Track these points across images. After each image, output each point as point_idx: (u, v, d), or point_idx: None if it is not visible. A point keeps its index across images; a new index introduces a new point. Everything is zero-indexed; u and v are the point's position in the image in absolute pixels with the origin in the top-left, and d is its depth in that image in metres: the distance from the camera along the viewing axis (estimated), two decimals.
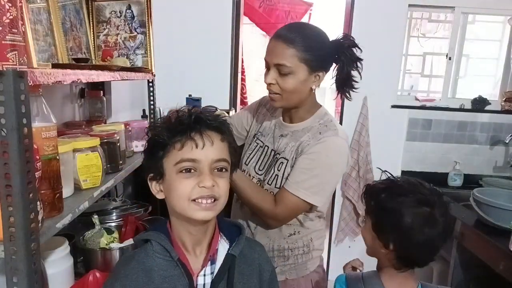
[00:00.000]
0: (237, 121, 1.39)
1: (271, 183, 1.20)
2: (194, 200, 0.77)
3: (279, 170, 1.19)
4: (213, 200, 0.78)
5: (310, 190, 1.12)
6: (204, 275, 0.81)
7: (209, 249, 0.84)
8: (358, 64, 1.15)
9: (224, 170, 0.81)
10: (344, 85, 1.18)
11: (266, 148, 1.27)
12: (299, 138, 1.19)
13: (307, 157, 1.14)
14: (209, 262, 0.82)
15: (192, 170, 0.77)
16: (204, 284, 0.80)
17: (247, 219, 1.27)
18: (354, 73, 1.16)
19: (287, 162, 1.18)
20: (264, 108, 1.34)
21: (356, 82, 1.18)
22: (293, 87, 1.11)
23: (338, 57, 1.14)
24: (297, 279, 1.25)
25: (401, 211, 0.92)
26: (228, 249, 0.84)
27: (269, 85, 1.13)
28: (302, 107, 1.19)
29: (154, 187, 0.84)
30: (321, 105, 1.25)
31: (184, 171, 0.77)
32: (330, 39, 1.15)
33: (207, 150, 0.77)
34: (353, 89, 1.19)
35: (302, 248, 1.24)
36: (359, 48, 1.14)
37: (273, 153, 1.24)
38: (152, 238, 0.82)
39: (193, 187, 0.77)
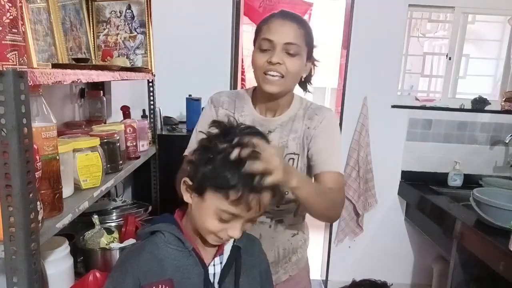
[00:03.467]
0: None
1: None
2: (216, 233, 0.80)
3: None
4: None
5: (339, 163, 1.14)
6: (214, 265, 0.86)
7: None
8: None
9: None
10: (308, 80, 1.20)
11: None
12: (292, 128, 1.15)
13: (320, 137, 1.13)
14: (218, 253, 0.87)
15: (228, 220, 0.79)
16: (214, 273, 0.85)
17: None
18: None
19: (298, 157, 1.14)
20: (222, 108, 1.20)
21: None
22: (298, 69, 1.08)
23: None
24: (298, 272, 1.27)
25: None
26: (234, 242, 0.88)
27: (274, 64, 1.04)
28: (287, 96, 1.15)
29: (185, 190, 0.83)
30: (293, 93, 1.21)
31: (221, 218, 0.78)
32: None
33: (251, 212, 0.78)
34: (311, 83, 1.22)
35: (302, 244, 1.26)
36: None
37: None
38: (163, 229, 0.84)
39: (221, 230, 0.79)
